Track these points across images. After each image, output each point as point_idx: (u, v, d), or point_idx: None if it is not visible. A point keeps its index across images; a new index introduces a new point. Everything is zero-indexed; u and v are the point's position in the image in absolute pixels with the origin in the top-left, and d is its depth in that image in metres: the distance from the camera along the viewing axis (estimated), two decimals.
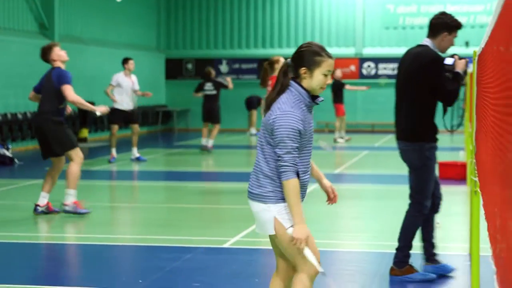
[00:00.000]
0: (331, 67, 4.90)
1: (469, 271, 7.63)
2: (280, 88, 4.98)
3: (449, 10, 30.66)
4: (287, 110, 4.86)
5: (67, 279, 7.50)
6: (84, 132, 25.57)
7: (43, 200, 11.10)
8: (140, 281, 7.35)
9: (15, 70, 21.73)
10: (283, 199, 4.91)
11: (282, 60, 13.21)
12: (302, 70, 4.95)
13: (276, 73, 13.15)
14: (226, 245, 9.13)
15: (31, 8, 23.72)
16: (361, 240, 9.59)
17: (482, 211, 5.24)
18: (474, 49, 7.44)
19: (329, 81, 4.97)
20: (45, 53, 11.13)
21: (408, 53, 7.50)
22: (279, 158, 4.82)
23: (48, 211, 11.14)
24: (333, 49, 31.67)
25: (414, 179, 7.30)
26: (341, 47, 31.69)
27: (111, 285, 7.26)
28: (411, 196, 7.32)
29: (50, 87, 10.95)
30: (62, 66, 11.09)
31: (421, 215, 7.31)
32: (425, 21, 30.72)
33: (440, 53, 7.40)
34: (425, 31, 30.42)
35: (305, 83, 4.95)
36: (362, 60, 31.36)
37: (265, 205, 4.91)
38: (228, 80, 21.03)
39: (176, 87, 32.85)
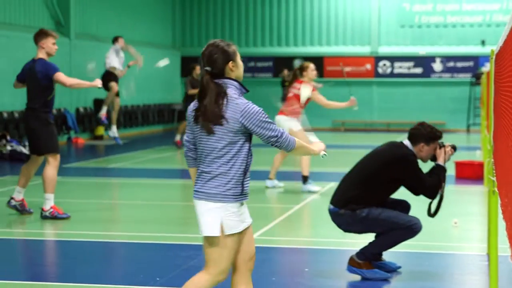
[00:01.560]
0: None
1: (487, 271, 7.63)
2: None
3: (465, 9, 30.56)
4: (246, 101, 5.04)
5: (85, 277, 7.53)
6: (100, 130, 25.65)
7: (18, 195, 10.95)
8: (158, 278, 7.38)
9: None
10: (235, 199, 4.99)
11: (311, 66, 13.31)
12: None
13: (304, 78, 13.29)
14: None
15: (47, 5, 23.81)
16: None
17: (500, 211, 5.23)
18: (492, 48, 7.42)
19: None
20: (39, 37, 10.72)
21: (386, 144, 7.71)
22: (275, 133, 5.02)
23: (21, 208, 10.95)
24: (349, 47, 31.64)
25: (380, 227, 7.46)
26: (356, 45, 31.64)
27: (129, 283, 7.29)
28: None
29: (35, 82, 10.59)
30: (46, 58, 10.72)
31: (413, 233, 7.43)
32: (441, 19, 30.66)
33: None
34: (441, 30, 30.54)
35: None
36: (378, 58, 31.30)
37: (219, 204, 4.98)
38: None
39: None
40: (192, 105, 5.10)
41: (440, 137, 7.55)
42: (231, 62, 5.06)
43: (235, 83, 5.07)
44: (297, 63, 29.65)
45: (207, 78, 5.01)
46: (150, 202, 12.80)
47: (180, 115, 22.14)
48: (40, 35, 10.73)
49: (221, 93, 4.97)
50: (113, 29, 27.54)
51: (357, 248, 7.66)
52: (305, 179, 13.27)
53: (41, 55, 10.71)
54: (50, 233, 10.08)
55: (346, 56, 31.49)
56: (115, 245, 9.23)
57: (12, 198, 10.98)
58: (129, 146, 22.68)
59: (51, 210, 10.61)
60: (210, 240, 5.07)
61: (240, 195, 5.04)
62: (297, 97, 13.21)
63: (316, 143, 5.40)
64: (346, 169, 16.37)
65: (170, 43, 32.80)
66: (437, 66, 30.72)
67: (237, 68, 5.10)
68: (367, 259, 7.46)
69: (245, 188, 5.07)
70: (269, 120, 5.00)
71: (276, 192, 13.51)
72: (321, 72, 30.94)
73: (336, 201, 7.55)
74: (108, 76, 19.48)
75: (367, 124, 31.38)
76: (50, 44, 10.71)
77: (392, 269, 7.72)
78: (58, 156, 10.71)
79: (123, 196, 13.54)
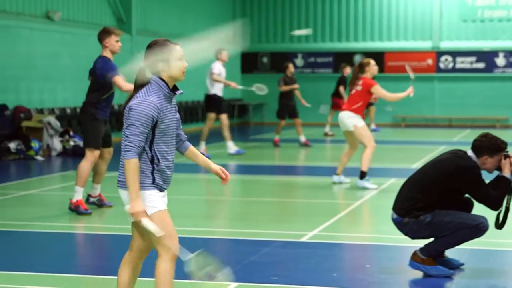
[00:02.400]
0: None
1: None
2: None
3: None
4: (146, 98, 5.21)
5: (152, 271, 7.57)
6: None
7: (94, 191, 11.15)
8: (219, 274, 7.38)
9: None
10: (148, 186, 5.28)
11: (372, 62, 13.25)
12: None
13: (366, 74, 13.23)
14: (303, 239, 9.11)
15: (109, 2, 24.05)
16: None
17: None
18: None
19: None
20: (102, 35, 10.81)
21: (449, 153, 7.58)
22: (126, 138, 5.16)
23: (99, 203, 11.15)
24: (409, 42, 31.36)
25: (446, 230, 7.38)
26: (417, 40, 31.33)
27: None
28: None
29: (93, 79, 10.73)
30: (110, 57, 10.77)
31: (481, 232, 7.33)
32: (504, 14, 30.20)
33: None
34: (504, 24, 30.07)
35: None
36: (439, 53, 30.95)
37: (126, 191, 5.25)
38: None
39: (251, 81, 32.81)
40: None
41: (504, 148, 7.38)
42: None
43: (162, 82, 5.27)
44: (357, 59, 29.50)
45: (137, 74, 5.30)
46: (210, 197, 12.86)
47: (281, 113, 21.48)
48: (103, 34, 10.82)
49: (137, 89, 5.28)
50: (174, 25, 27.72)
51: (419, 244, 7.58)
52: (362, 175, 13.17)
53: (105, 53, 10.79)
54: (113, 227, 10.16)
55: (407, 51, 31.21)
56: None
57: (89, 195, 11.17)
58: (190, 142, 22.75)
59: (77, 203, 10.70)
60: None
61: (151, 185, 5.31)
62: (360, 94, 13.14)
63: None
64: (406, 165, 16.32)
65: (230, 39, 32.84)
66: (500, 61, 30.27)
67: (169, 68, 5.27)
68: (431, 255, 7.38)
69: (156, 180, 5.34)
70: (133, 123, 5.15)
71: (337, 188, 13.44)
72: (381, 67, 30.72)
73: (398, 209, 7.47)
74: (210, 102, 18.78)
75: (428, 120, 31.07)
76: (113, 42, 10.77)
77: (455, 266, 7.63)
78: (96, 153, 10.70)
79: (184, 191, 13.59)
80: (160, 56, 5.26)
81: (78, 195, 10.69)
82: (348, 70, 25.01)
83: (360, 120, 13.19)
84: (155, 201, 5.32)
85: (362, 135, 13.15)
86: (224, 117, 18.68)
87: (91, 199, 11.16)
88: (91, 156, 10.68)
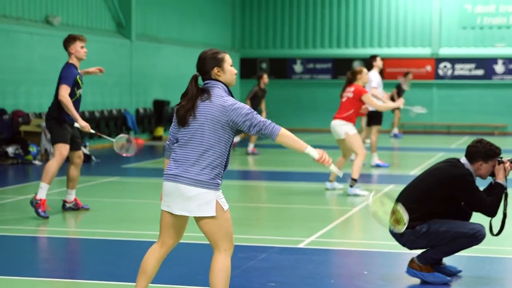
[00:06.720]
0: None
1: None
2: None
3: None
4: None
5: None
6: (159, 131, 25.82)
7: (69, 196, 11.22)
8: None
9: None
10: (218, 185, 5.59)
11: (365, 71, 13.37)
12: None
13: (358, 82, 13.35)
14: (301, 245, 9.10)
15: (109, 7, 24.04)
16: None
17: None
18: None
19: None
20: (67, 42, 10.96)
21: (443, 162, 7.55)
22: (262, 125, 5.51)
23: (76, 207, 11.24)
24: (409, 49, 31.37)
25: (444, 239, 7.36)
26: (417, 47, 31.35)
27: (187, 283, 7.30)
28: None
29: (58, 83, 10.79)
30: (76, 63, 10.87)
31: (477, 241, 7.32)
32: (504, 21, 30.21)
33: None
34: (503, 31, 30.09)
35: None
36: (439, 60, 30.96)
37: (206, 190, 5.52)
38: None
39: (250, 87, 32.79)
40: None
41: (498, 154, 7.38)
42: (216, 68, 5.66)
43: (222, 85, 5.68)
44: (356, 65, 29.52)
45: (192, 81, 5.63)
46: None
47: None
48: (68, 41, 10.95)
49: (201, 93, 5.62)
50: (173, 30, 27.71)
51: (417, 252, 7.57)
52: (353, 182, 13.15)
53: (71, 60, 10.90)
54: (103, 232, 10.14)
55: (406, 57, 31.22)
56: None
57: (64, 201, 11.24)
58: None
59: (39, 202, 10.67)
60: None
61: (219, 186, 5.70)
62: (351, 101, 13.22)
63: (319, 150, 5.80)
64: (404, 172, 16.31)
65: (229, 44, 32.90)
66: (499, 68, 30.28)
67: (224, 73, 5.68)
68: (428, 263, 7.38)
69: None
70: (250, 111, 5.54)
71: (334, 194, 13.44)
72: (381, 74, 30.71)
73: None
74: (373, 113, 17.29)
75: (427, 127, 31.08)
76: (78, 48, 10.89)
77: (452, 273, 7.62)
78: (64, 149, 10.72)
79: None
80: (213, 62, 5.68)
81: (42, 191, 10.69)
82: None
83: (352, 127, 13.24)
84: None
85: (353, 143, 13.20)
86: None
87: (67, 205, 11.25)
88: (59, 154, 10.67)
